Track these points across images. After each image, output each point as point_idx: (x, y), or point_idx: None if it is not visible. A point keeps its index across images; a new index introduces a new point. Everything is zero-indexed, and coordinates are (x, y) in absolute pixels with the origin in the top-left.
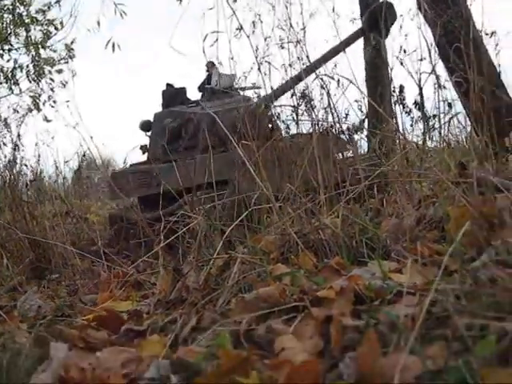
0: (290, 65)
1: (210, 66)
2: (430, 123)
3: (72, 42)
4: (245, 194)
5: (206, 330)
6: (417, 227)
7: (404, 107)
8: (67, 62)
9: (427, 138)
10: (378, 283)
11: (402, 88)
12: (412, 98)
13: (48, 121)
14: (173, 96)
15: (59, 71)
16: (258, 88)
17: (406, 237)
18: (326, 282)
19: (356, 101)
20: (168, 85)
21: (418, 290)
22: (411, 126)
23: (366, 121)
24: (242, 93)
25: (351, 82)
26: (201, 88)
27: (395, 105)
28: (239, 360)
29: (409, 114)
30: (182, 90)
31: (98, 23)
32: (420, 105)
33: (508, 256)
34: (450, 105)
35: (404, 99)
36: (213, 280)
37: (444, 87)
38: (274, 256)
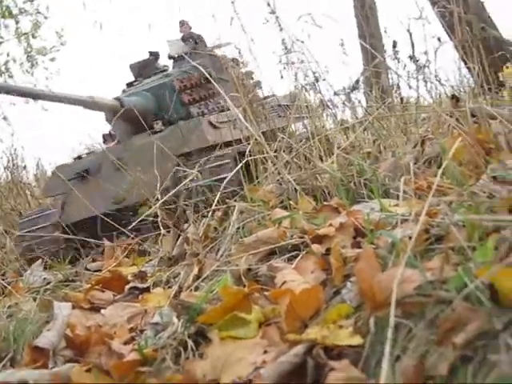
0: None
1: (181, 25)
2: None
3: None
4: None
5: (208, 278)
6: (415, 165)
7: (399, 61)
8: (59, 50)
9: (419, 78)
10: (377, 215)
11: (395, 43)
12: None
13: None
14: (141, 67)
15: (52, 59)
16: (228, 44)
17: (404, 173)
18: (325, 221)
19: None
20: (151, 53)
21: (416, 216)
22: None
23: (361, 79)
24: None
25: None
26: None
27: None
28: (240, 296)
29: (404, 68)
30: (151, 60)
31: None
32: (411, 45)
33: (506, 174)
34: (439, 39)
35: (398, 53)
36: (213, 231)
37: (429, 22)
38: (273, 204)
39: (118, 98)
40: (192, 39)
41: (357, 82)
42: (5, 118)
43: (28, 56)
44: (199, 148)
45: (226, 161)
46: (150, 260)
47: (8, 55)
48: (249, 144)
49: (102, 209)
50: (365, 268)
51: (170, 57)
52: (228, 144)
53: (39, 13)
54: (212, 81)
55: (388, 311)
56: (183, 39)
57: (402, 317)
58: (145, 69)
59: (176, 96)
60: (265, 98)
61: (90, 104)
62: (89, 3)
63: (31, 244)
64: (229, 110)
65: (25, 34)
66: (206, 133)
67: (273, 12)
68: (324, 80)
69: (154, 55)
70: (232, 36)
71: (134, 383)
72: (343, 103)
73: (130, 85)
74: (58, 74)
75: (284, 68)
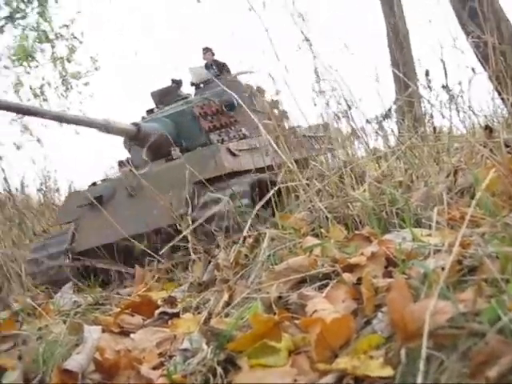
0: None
1: (204, 52)
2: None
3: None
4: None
5: (239, 305)
6: (447, 195)
7: (431, 91)
8: (93, 75)
9: (452, 108)
10: (409, 245)
11: (427, 72)
12: (438, 82)
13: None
14: (163, 95)
15: (86, 84)
16: (251, 73)
17: (437, 203)
18: (356, 250)
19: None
20: (173, 81)
21: (449, 247)
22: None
23: (393, 108)
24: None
25: None
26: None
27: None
28: (271, 324)
29: (437, 98)
30: (173, 88)
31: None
32: (444, 75)
33: None
34: (473, 69)
35: (430, 82)
36: (243, 257)
37: (462, 52)
38: (304, 232)
39: (135, 124)
40: (215, 66)
41: (389, 110)
42: (38, 141)
43: (63, 80)
44: (216, 176)
45: (242, 189)
46: (180, 285)
47: (43, 79)
48: (275, 173)
49: (113, 237)
50: (397, 298)
51: (193, 84)
52: (248, 172)
53: (75, 38)
54: (245, 107)
55: (419, 342)
56: (206, 66)
57: (434, 348)
58: (166, 96)
59: (196, 123)
60: (290, 128)
61: (105, 128)
62: (124, 31)
63: (40, 269)
64: (250, 137)
65: (60, 58)
66: (224, 160)
67: (306, 39)
68: (356, 108)
69: (177, 83)
70: (264, 63)
71: None
72: (375, 132)
73: (150, 112)
74: (92, 98)
75: (317, 96)
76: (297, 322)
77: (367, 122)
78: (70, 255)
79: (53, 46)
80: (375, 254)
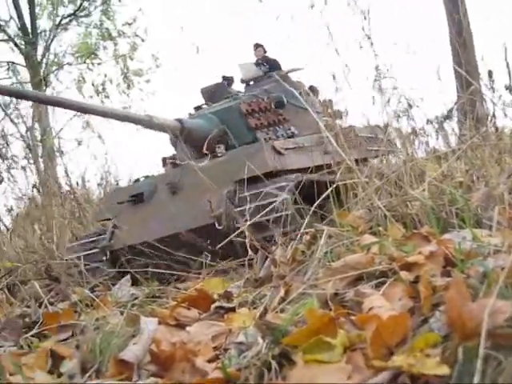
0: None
1: (255, 48)
2: None
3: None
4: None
5: (294, 301)
6: (509, 195)
7: (494, 91)
8: (155, 72)
9: None
10: (469, 245)
11: (490, 73)
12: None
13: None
14: (212, 92)
15: (147, 81)
16: (300, 69)
17: (497, 204)
18: (414, 249)
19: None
20: (224, 77)
21: (509, 247)
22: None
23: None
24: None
25: None
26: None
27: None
28: (326, 320)
29: (500, 98)
30: (222, 85)
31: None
32: (508, 75)
33: None
34: None
35: (493, 83)
36: (300, 254)
37: None
38: (362, 230)
39: (178, 120)
40: (266, 63)
41: (450, 111)
42: (99, 137)
43: (124, 77)
44: (261, 174)
45: (282, 193)
46: (236, 281)
47: (105, 76)
48: (327, 172)
49: (153, 234)
50: (455, 296)
51: (243, 81)
52: (294, 171)
53: (137, 36)
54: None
55: (477, 342)
56: (257, 63)
57: (492, 348)
58: (215, 93)
59: (242, 120)
60: (348, 127)
61: (148, 123)
62: (186, 26)
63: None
64: (299, 136)
65: (122, 55)
66: (268, 158)
67: (368, 37)
68: (417, 107)
69: (227, 80)
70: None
71: None
72: (436, 131)
73: (197, 108)
74: (153, 95)
75: (378, 94)
76: (353, 318)
77: (428, 122)
78: (108, 253)
79: (115, 44)
80: (434, 253)
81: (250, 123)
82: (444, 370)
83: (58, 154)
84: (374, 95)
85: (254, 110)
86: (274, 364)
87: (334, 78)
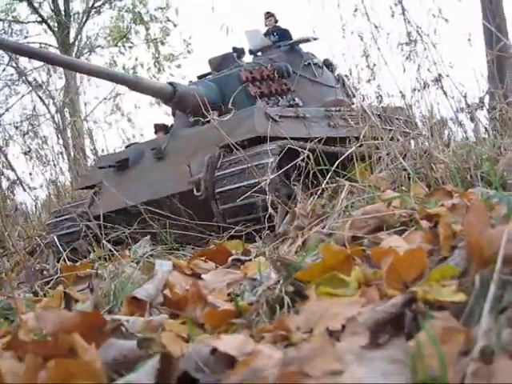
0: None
1: (266, 17)
2: None
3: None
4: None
5: (312, 250)
6: None
7: None
8: (186, 57)
9: None
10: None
11: None
12: None
13: (169, 115)
14: (220, 62)
15: (178, 66)
16: (311, 40)
17: None
18: (437, 204)
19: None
20: (234, 49)
21: None
22: None
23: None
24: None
25: None
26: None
27: None
28: (342, 257)
29: None
30: (231, 55)
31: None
32: None
33: None
34: None
35: None
36: (320, 208)
37: None
38: (384, 189)
39: (171, 83)
40: (276, 33)
41: (481, 101)
42: (129, 120)
43: (155, 62)
44: (247, 139)
45: (264, 161)
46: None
47: (136, 60)
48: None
49: (137, 199)
50: (474, 221)
51: (251, 52)
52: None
53: (169, 20)
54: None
55: (495, 268)
56: (267, 33)
57: (510, 274)
58: (223, 63)
59: (242, 88)
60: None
61: (134, 84)
62: (217, 7)
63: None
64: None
65: (154, 40)
66: (257, 123)
67: (399, 2)
68: (447, 76)
69: (237, 51)
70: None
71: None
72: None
73: (200, 77)
74: (184, 80)
75: (407, 59)
76: (369, 254)
77: (457, 110)
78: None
79: (147, 28)
80: (456, 205)
81: (250, 91)
82: (460, 297)
83: (87, 135)
84: (403, 62)
85: (254, 78)
86: (286, 299)
87: (361, 39)
